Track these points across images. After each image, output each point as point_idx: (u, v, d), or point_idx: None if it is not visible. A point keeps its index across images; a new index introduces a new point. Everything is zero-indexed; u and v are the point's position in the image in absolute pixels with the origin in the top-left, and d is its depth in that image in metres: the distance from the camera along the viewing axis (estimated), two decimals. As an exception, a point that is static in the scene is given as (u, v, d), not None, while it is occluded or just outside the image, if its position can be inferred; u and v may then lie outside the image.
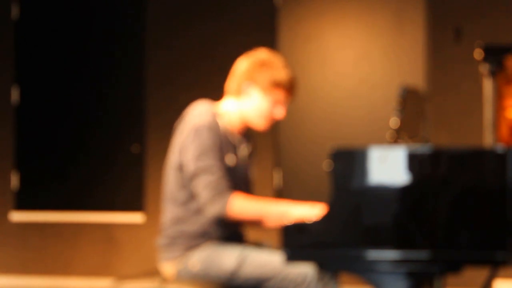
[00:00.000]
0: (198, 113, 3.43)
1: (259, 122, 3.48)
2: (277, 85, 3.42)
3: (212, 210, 3.31)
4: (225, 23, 6.76)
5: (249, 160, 3.58)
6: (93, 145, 6.91)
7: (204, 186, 3.32)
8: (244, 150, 3.54)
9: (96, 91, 6.94)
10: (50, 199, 6.93)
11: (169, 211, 3.46)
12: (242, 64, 3.50)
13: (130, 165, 6.84)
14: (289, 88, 3.44)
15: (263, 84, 3.42)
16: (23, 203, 6.95)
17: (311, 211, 3.22)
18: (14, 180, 6.98)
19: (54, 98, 6.97)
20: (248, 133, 3.60)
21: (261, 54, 3.50)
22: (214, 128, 3.38)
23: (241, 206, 3.31)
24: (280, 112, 3.48)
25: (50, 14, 7.01)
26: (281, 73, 3.43)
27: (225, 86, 3.55)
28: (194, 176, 3.34)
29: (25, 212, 6.94)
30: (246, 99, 3.47)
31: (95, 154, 6.90)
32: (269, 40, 6.61)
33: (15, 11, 7.02)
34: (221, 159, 3.36)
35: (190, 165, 3.35)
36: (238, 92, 3.48)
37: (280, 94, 3.44)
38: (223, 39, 6.71)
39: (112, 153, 6.88)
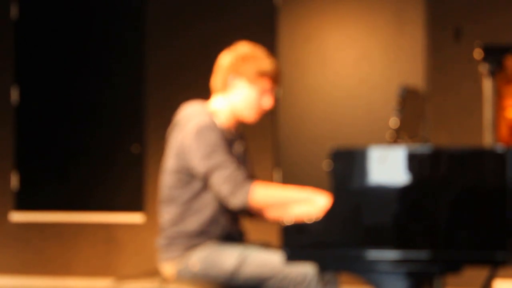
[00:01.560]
0: (195, 114, 3.43)
1: (249, 114, 3.51)
2: (262, 74, 3.46)
3: (235, 202, 3.31)
4: (225, 23, 6.76)
5: (245, 156, 3.59)
6: (93, 145, 6.91)
7: (222, 181, 3.32)
8: (239, 146, 3.55)
9: (96, 91, 6.94)
10: (50, 200, 6.93)
11: (168, 212, 3.47)
12: (225, 59, 3.52)
13: (130, 165, 6.85)
14: (275, 76, 3.49)
15: (249, 75, 3.46)
16: (23, 204, 6.96)
17: (323, 202, 3.22)
18: (14, 181, 6.98)
19: (53, 98, 6.97)
20: (240, 130, 3.61)
21: (243, 47, 3.53)
22: (214, 127, 3.39)
23: (263, 194, 3.31)
24: (268, 101, 3.51)
25: (49, 14, 7.01)
26: (265, 63, 3.47)
27: (211, 83, 3.57)
28: (208, 175, 3.35)
29: (25, 212, 6.94)
30: (233, 92, 3.49)
31: (95, 154, 6.91)
32: (269, 40, 6.61)
33: (14, 11, 7.02)
34: (229, 153, 3.38)
35: (200, 166, 3.35)
36: (225, 87, 3.50)
37: (266, 83, 3.48)
38: (223, 39, 6.67)
39: (112, 153, 6.88)
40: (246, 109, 3.50)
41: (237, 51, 3.52)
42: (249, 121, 3.55)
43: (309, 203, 3.27)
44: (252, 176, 3.62)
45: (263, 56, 3.49)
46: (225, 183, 3.32)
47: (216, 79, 3.55)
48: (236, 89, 3.49)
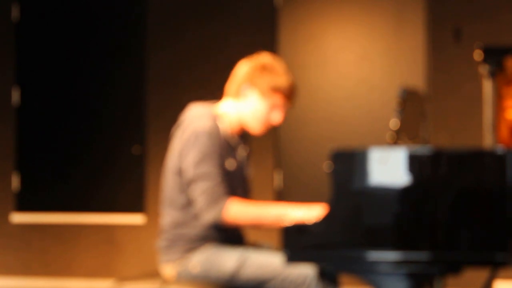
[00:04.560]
0: (198, 117, 3.42)
1: (255, 126, 3.48)
2: (276, 89, 3.42)
3: (208, 217, 3.31)
4: (226, 24, 6.77)
5: (246, 161, 3.59)
6: (94, 146, 6.92)
7: (200, 192, 3.32)
8: (242, 151, 3.55)
9: (97, 93, 6.95)
10: (51, 201, 6.94)
11: (169, 215, 3.47)
12: (243, 68, 3.50)
13: (130, 167, 6.85)
14: (288, 94, 3.44)
15: (262, 87, 3.42)
16: (24, 205, 6.96)
17: (309, 213, 3.23)
18: (15, 182, 6.98)
19: (54, 99, 6.98)
20: (245, 134, 3.60)
21: (263, 58, 3.49)
22: (214, 133, 3.37)
23: (237, 211, 3.31)
24: (277, 117, 3.47)
25: (50, 15, 7.02)
26: (282, 79, 3.42)
27: (225, 88, 3.56)
28: (192, 182, 3.35)
29: (26, 213, 6.94)
30: (244, 101, 3.47)
31: (96, 156, 6.91)
32: (270, 41, 6.62)
33: (15, 13, 7.03)
34: (220, 165, 3.36)
35: (189, 171, 3.35)
36: (237, 94, 3.48)
37: (278, 99, 3.43)
38: (224, 40, 6.71)
39: (113, 154, 6.89)
40: (253, 121, 3.47)
41: (257, 61, 3.49)
42: (254, 133, 3.52)
43: (286, 218, 3.26)
44: (248, 183, 3.61)
45: (281, 71, 3.44)
46: (202, 195, 3.32)
47: (230, 86, 3.53)
48: (247, 99, 3.47)
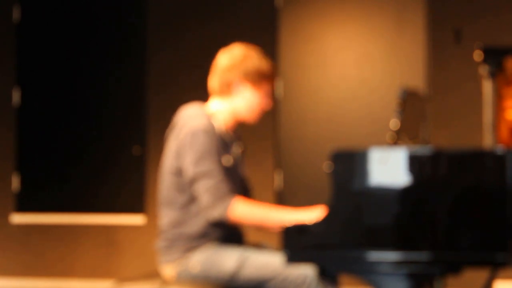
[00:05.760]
0: (192, 116, 3.44)
1: (251, 117, 3.54)
2: (263, 76, 3.47)
3: (214, 214, 3.32)
4: (226, 25, 6.77)
5: (241, 158, 3.60)
6: (94, 147, 6.92)
7: (204, 190, 3.32)
8: (237, 148, 3.56)
9: (97, 93, 6.95)
10: (51, 201, 6.94)
11: (167, 215, 3.47)
12: (223, 61, 3.52)
13: (131, 167, 6.85)
14: (274, 77, 3.53)
15: (252, 78, 3.46)
16: (24, 205, 6.96)
17: (313, 217, 3.23)
18: (15, 182, 6.98)
19: (55, 100, 6.98)
20: (238, 131, 3.62)
21: (238, 49, 3.53)
22: (210, 131, 3.39)
23: (243, 210, 3.32)
24: (269, 103, 3.56)
25: (51, 16, 7.02)
26: (264, 64, 3.49)
27: (208, 83, 3.57)
28: (194, 180, 3.35)
29: (26, 214, 6.94)
30: (237, 97, 3.50)
31: (96, 156, 6.91)
32: (270, 42, 6.62)
33: (16, 14, 7.03)
34: (219, 162, 3.38)
35: (189, 170, 3.36)
36: (223, 90, 3.51)
37: (268, 85, 3.51)
38: (224, 41, 6.67)
39: (113, 155, 6.89)
40: (249, 113, 3.53)
41: (234, 53, 3.52)
42: (250, 123, 3.57)
43: (290, 223, 3.26)
44: (245, 179, 3.62)
45: (259, 56, 3.51)
46: (207, 193, 3.32)
47: (213, 81, 3.55)
48: (240, 94, 3.49)
